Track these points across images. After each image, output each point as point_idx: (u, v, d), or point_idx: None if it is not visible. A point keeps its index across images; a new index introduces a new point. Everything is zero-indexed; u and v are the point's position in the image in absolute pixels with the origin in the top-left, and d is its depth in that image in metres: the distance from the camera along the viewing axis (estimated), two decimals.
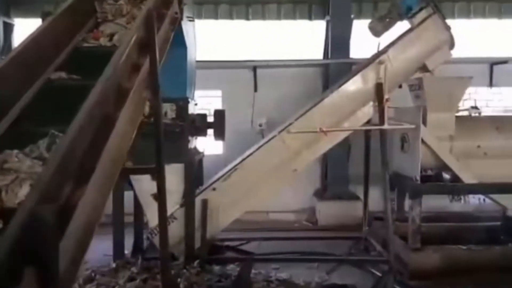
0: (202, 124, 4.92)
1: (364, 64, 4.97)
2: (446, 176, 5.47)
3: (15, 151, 1.97)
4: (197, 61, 7.13)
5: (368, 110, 4.93)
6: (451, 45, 4.91)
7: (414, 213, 4.92)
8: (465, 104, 6.24)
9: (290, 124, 4.88)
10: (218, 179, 4.95)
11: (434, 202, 6.27)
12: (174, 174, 4.72)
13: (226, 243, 5.85)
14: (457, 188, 4.94)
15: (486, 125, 5.11)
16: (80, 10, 3.24)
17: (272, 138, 4.93)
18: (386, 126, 4.73)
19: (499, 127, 5.04)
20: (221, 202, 4.90)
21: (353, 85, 4.87)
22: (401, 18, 4.94)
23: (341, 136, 4.95)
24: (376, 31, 4.94)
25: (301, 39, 7.52)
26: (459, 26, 7.47)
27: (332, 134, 4.82)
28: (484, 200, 5.94)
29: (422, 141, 4.88)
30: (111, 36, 3.27)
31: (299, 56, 7.43)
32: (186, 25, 4.71)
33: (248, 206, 5.03)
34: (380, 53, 4.90)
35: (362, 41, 6.51)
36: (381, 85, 4.73)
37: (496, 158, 4.99)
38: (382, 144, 4.86)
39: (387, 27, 4.94)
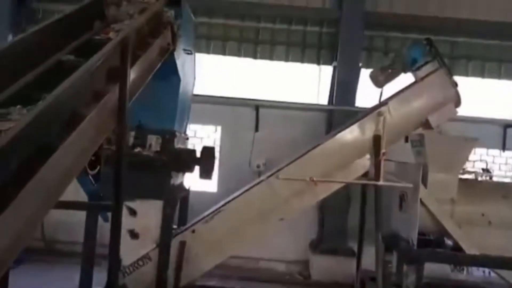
0: (188, 160, 4.68)
1: (363, 114, 4.72)
2: (449, 242, 5.06)
3: (18, 106, 2.24)
4: (199, 95, 7.06)
5: (364, 163, 4.63)
6: (457, 102, 4.64)
7: (408, 281, 4.49)
8: (475, 166, 5.89)
9: (280, 169, 4.62)
10: (199, 221, 4.65)
11: (437, 268, 5.81)
12: (153, 211, 4.46)
13: None
14: (456, 258, 4.52)
15: (492, 191, 4.74)
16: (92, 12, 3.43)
17: (260, 182, 4.65)
18: (381, 183, 4.40)
19: (506, 195, 4.65)
20: (200, 246, 4.57)
21: (350, 134, 4.60)
22: (405, 70, 4.73)
23: (334, 187, 4.63)
24: (377, 81, 4.73)
25: (308, 82, 7.39)
26: (473, 85, 7.28)
27: (323, 184, 4.51)
28: (489, 272, 5.45)
29: (421, 202, 4.53)
30: (119, 32, 3.23)
31: (304, 99, 7.28)
32: (181, 57, 4.60)
33: (229, 253, 4.69)
34: (380, 104, 4.66)
35: (370, 90, 6.32)
36: (379, 138, 4.45)
37: (502, 228, 4.57)
38: (376, 201, 4.52)
39: (389, 78, 4.73)
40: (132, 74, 3.10)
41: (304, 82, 7.44)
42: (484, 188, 4.78)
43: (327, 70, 7.28)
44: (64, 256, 6.51)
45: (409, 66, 4.69)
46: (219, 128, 7.28)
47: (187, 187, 5.22)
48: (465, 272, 5.01)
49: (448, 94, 4.59)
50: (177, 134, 4.54)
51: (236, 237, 4.59)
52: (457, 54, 7.30)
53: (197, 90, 7.25)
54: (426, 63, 4.62)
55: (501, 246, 4.54)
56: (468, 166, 5.71)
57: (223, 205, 4.64)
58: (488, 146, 6.99)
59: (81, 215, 4.57)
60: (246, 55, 7.31)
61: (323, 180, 4.42)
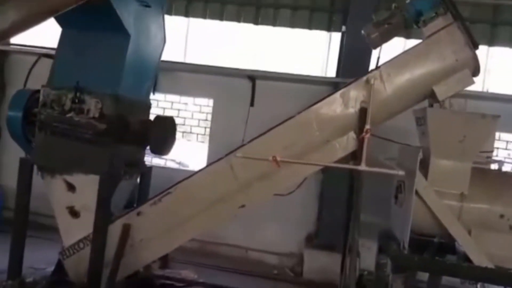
0: (137, 130, 4.01)
1: (349, 82, 3.76)
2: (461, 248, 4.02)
3: None
4: (189, 64, 6.39)
5: (348, 143, 3.70)
6: (475, 69, 3.53)
7: None
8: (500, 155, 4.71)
9: (242, 145, 3.82)
10: (147, 202, 3.99)
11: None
12: (93, 187, 3.86)
13: (167, 281, 4.85)
14: (458, 270, 3.46)
15: None
16: None
17: (219, 160, 3.88)
18: (362, 167, 3.45)
19: None
20: (147, 231, 3.93)
21: (329, 106, 3.68)
22: (406, 25, 3.66)
23: (305, 171, 3.76)
24: (371, 40, 3.72)
25: (316, 53, 6.41)
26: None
27: (290, 167, 3.65)
28: None
29: (418, 195, 3.54)
30: None
31: (310, 71, 6.32)
32: (131, 10, 3.90)
33: (179, 242, 3.98)
34: (371, 70, 3.67)
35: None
36: (365, 111, 3.50)
37: None
38: (356, 190, 3.61)
39: (386, 36, 3.69)
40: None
41: (311, 52, 6.47)
42: (507, 182, 3.64)
43: (339, 38, 6.24)
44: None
45: (413, 20, 3.63)
46: (211, 101, 6.55)
47: (147, 163, 4.60)
48: (479, 286, 3.93)
49: (462, 57, 3.49)
50: (121, 98, 3.86)
51: (188, 224, 3.89)
52: (501, 19, 5.96)
53: (188, 59, 6.62)
54: (436, 15, 3.55)
55: None
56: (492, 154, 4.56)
57: (174, 185, 3.93)
58: None
59: None
60: (246, 21, 6.44)
61: (287, 160, 3.56)
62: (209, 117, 6.57)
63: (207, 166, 3.93)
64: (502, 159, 4.33)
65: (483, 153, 4.16)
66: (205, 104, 6.65)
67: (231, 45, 6.60)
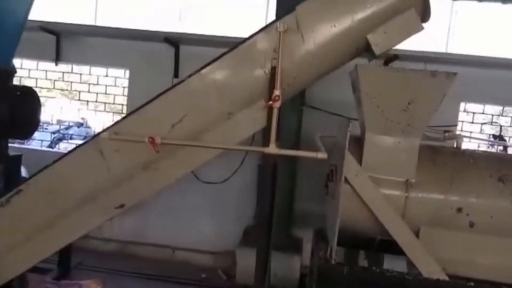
0: None
1: (257, 31, 2.76)
2: None
3: None
4: (98, 27, 5.31)
5: (256, 115, 2.71)
6: (424, 12, 2.57)
7: None
8: (484, 131, 3.83)
9: (114, 124, 2.80)
10: None
11: None
12: None
13: None
14: (399, 284, 2.58)
15: (482, 170, 2.72)
16: None
17: (85, 143, 2.86)
18: (271, 149, 2.49)
19: (506, 176, 2.65)
20: None
21: (229, 66, 2.68)
22: None
23: (200, 156, 2.76)
24: None
25: (254, 8, 5.38)
26: (489, 12, 5.06)
27: (177, 151, 2.67)
28: None
29: (349, 184, 2.63)
30: None
31: (247, 33, 5.28)
32: None
33: (39, 257, 2.98)
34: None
35: None
36: (274, 71, 2.52)
37: (493, 235, 2.61)
38: (273, 178, 2.67)
39: None
40: None
41: (249, 10, 5.43)
42: (468, 164, 2.74)
43: None
44: None
45: None
46: (127, 72, 5.47)
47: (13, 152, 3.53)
48: None
49: None
50: None
51: (49, 232, 2.88)
52: None
53: (99, 21, 5.51)
54: None
55: (489, 265, 2.62)
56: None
57: (27, 179, 2.91)
58: (504, 102, 4.82)
59: None
60: None
61: (169, 142, 2.57)
62: (126, 91, 5.49)
63: (70, 151, 2.89)
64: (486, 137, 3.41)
65: (442, 128, 3.31)
66: (121, 76, 5.56)
67: (151, 5, 5.49)
